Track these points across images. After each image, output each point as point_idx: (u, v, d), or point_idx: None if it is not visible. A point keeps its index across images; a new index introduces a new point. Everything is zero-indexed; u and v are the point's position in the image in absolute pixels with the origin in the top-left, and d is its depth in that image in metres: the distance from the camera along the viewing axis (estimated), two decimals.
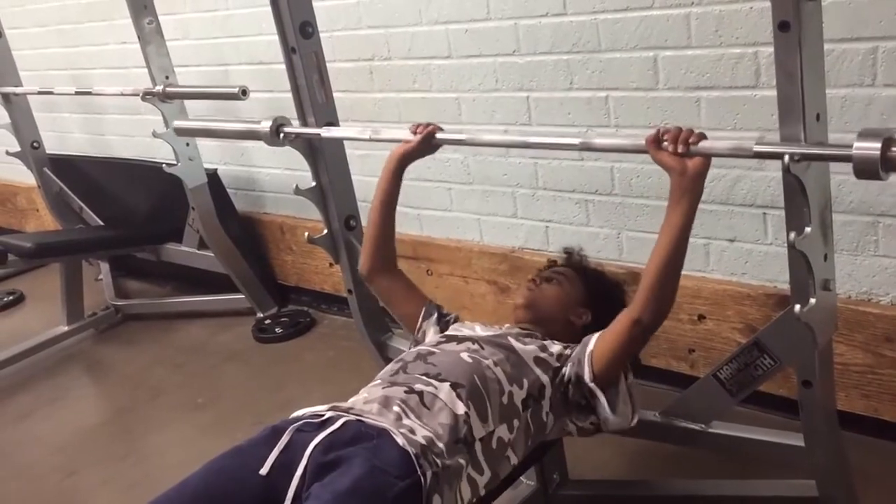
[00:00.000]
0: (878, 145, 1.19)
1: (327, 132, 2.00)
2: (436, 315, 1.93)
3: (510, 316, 1.90)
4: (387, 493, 1.34)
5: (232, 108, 3.32)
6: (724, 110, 2.15)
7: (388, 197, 1.93)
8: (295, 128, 2.03)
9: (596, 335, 1.66)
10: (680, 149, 1.43)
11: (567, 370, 1.65)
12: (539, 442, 1.69)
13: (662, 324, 1.61)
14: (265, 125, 1.99)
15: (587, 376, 1.61)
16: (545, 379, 1.65)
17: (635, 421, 1.66)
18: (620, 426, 1.64)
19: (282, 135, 2.01)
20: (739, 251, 2.28)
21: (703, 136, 1.44)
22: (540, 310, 1.85)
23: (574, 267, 1.98)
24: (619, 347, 1.60)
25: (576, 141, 1.66)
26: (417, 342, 1.91)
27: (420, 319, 1.92)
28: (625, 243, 2.49)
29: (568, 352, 1.69)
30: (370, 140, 1.94)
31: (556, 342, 1.73)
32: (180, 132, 2.35)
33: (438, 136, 1.85)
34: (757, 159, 1.43)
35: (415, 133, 1.85)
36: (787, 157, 1.27)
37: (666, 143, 1.45)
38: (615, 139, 1.56)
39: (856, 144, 1.21)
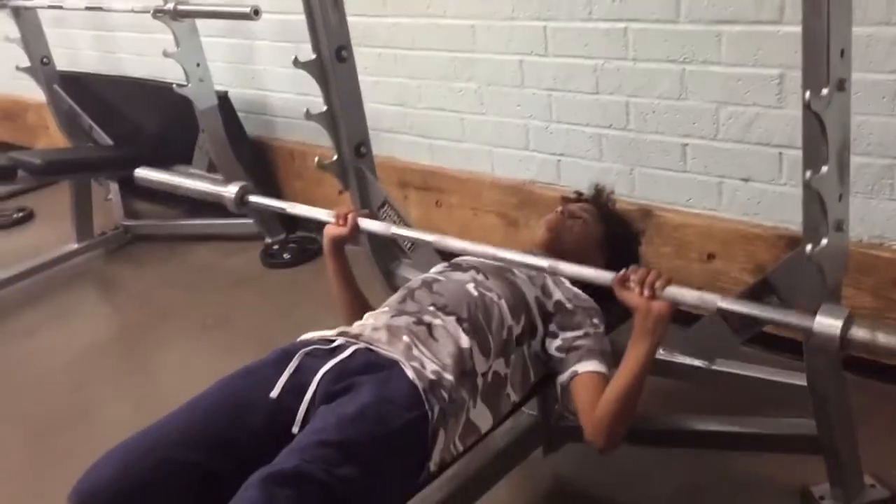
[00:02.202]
0: (839, 325, 1.25)
1: (292, 208, 2.06)
2: None
3: (521, 247, 1.89)
4: (391, 422, 1.35)
5: (244, 28, 3.27)
6: (745, 46, 2.10)
7: (340, 276, 1.90)
8: (260, 197, 2.09)
9: (589, 360, 1.61)
10: (646, 293, 1.44)
11: (553, 347, 1.65)
12: (539, 376, 1.70)
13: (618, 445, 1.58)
14: (231, 190, 2.06)
15: (565, 383, 1.61)
16: (538, 322, 1.66)
17: None
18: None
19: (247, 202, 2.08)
20: (753, 191, 2.26)
21: (669, 281, 1.45)
22: (560, 243, 1.84)
23: (600, 208, 1.96)
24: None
25: (545, 264, 1.58)
26: None
27: None
28: (637, 179, 2.47)
29: (569, 305, 1.69)
30: (338, 226, 1.87)
31: (559, 285, 1.73)
32: (140, 181, 2.32)
33: (363, 225, 1.84)
34: (721, 313, 1.44)
35: (338, 220, 1.84)
36: (808, 94, 1.24)
37: (632, 285, 1.45)
38: (584, 270, 1.54)
39: (817, 320, 1.27)
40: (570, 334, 1.65)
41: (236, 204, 2.06)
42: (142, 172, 2.31)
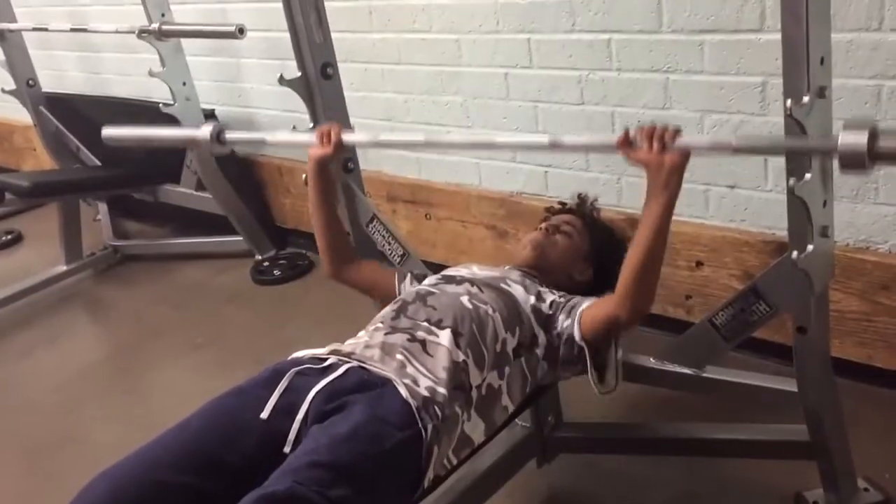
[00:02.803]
0: (864, 139, 1.17)
1: (271, 136, 1.97)
2: (409, 276, 1.91)
3: (510, 262, 1.90)
4: (384, 442, 1.34)
5: (229, 46, 3.28)
6: (727, 54, 2.12)
7: (320, 198, 1.88)
8: (237, 133, 2.00)
9: (590, 299, 1.65)
10: (655, 146, 1.40)
11: (559, 324, 1.65)
12: (534, 386, 1.70)
13: (642, 318, 1.59)
14: (205, 131, 1.94)
15: (577, 335, 1.62)
16: (538, 329, 1.65)
17: (616, 389, 1.68)
18: (600, 393, 1.67)
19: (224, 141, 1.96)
20: (739, 198, 2.27)
21: (678, 133, 1.41)
22: (546, 259, 1.84)
23: (584, 217, 1.96)
24: (603, 329, 1.61)
25: (544, 140, 1.58)
26: None
27: (397, 285, 1.91)
28: (624, 189, 2.48)
29: (562, 300, 1.69)
30: (322, 147, 1.81)
31: (552, 291, 1.74)
32: (108, 139, 2.17)
33: (347, 138, 1.79)
34: (737, 155, 1.38)
35: (321, 139, 1.80)
36: (789, 101, 1.26)
37: (640, 142, 1.42)
38: (585, 138, 1.48)
39: (841, 138, 1.19)
40: (569, 304, 1.67)
41: (212, 142, 1.94)
42: (109, 131, 2.17)
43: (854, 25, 1.91)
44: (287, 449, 1.38)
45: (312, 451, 1.29)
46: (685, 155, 1.40)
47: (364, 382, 1.45)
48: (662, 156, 1.40)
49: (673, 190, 1.43)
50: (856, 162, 1.19)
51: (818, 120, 1.32)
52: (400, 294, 1.86)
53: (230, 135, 1.95)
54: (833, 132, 1.20)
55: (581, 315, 1.63)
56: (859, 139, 1.17)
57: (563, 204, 2.05)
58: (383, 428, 1.35)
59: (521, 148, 1.58)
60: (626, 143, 1.43)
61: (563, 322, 1.65)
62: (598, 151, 1.51)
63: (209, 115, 3.29)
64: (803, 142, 1.32)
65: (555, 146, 1.58)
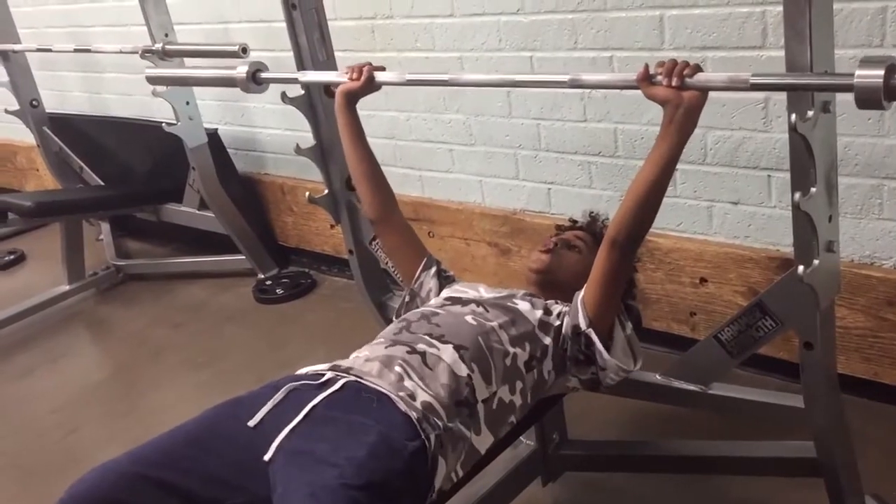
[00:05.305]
0: (881, 73, 1.15)
1: (303, 76, 1.97)
2: (435, 268, 1.91)
3: (513, 278, 1.89)
4: (402, 453, 1.36)
5: (233, 65, 3.28)
6: (729, 70, 2.11)
7: (350, 132, 1.91)
8: (271, 73, 2.01)
9: (581, 291, 1.65)
10: (674, 82, 1.38)
11: (564, 325, 1.65)
12: (539, 399, 1.69)
13: (640, 245, 1.58)
14: (241, 70, 1.97)
15: (583, 323, 1.60)
16: (548, 341, 1.65)
17: (638, 366, 1.64)
18: (618, 373, 1.62)
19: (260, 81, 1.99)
20: (743, 214, 2.27)
21: (698, 69, 1.40)
22: (555, 277, 1.81)
23: (595, 235, 1.95)
24: (605, 278, 1.58)
25: (565, 78, 1.55)
26: (413, 292, 1.90)
27: (419, 270, 1.91)
28: None
29: (566, 308, 1.69)
30: (351, 81, 1.84)
31: (559, 302, 1.73)
32: (151, 81, 2.28)
33: (378, 77, 1.82)
34: (754, 91, 1.35)
35: (351, 74, 1.83)
36: (793, 117, 1.25)
37: (660, 78, 1.40)
38: (605, 75, 1.47)
39: (857, 73, 1.17)
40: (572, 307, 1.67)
41: (248, 80, 1.97)
42: (152, 72, 2.30)
43: (856, 42, 1.92)
44: (267, 457, 1.37)
45: (339, 476, 1.28)
46: (703, 94, 1.39)
47: (360, 397, 1.45)
48: (681, 93, 1.39)
49: (687, 130, 1.42)
50: (872, 96, 1.16)
51: (822, 135, 1.32)
52: (416, 281, 1.90)
53: (265, 75, 1.98)
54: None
55: (582, 298, 1.62)
56: (876, 73, 1.15)
57: (574, 221, 2.05)
58: (397, 442, 1.36)
59: (541, 86, 1.58)
60: (646, 79, 1.42)
61: (567, 322, 1.65)
62: (619, 88, 1.49)
63: (212, 135, 3.30)
64: (819, 78, 1.29)
65: (575, 84, 1.55)
